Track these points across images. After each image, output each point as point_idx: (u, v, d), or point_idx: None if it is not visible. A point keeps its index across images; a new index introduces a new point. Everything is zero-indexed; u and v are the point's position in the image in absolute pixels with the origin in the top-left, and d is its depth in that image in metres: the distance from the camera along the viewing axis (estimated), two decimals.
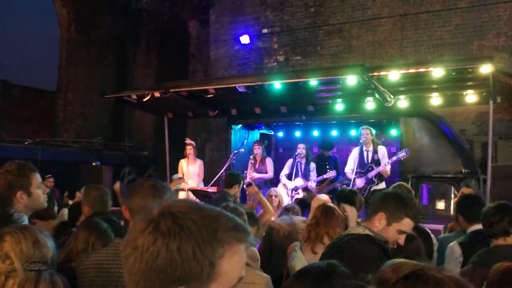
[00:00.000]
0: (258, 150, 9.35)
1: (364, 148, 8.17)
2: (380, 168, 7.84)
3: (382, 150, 8.13)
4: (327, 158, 9.59)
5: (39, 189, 2.88)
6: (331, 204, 4.15)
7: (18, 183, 2.77)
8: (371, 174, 7.95)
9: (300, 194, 8.64)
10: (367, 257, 2.75)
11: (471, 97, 7.75)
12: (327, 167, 9.16)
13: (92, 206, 4.29)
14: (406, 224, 2.89)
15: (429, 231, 4.59)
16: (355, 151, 8.33)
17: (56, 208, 4.81)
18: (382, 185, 8.03)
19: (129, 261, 1.11)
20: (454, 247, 3.94)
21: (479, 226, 3.93)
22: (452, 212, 8.32)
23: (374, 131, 8.26)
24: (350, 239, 2.95)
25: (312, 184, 8.73)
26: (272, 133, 11.41)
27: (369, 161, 8.10)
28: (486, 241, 3.75)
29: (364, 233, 2.92)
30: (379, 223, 2.90)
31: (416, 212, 2.97)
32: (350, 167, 8.28)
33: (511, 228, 3.28)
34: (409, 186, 4.58)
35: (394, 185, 4.87)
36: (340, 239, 3.05)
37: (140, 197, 2.38)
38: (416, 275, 1.09)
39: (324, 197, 4.83)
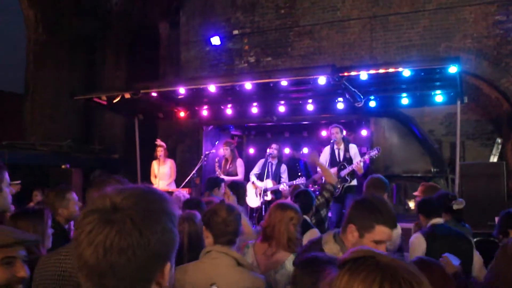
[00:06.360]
0: (226, 151, 9.25)
1: (335, 147, 8.21)
2: (354, 166, 7.85)
3: (353, 148, 8.18)
4: (297, 160, 9.60)
5: (8, 188, 2.82)
6: (285, 202, 4.12)
7: None
8: (344, 173, 7.98)
9: (269, 197, 8.59)
10: None
11: (439, 97, 7.89)
12: (298, 170, 9.16)
13: None
14: (380, 232, 2.58)
15: None
16: (326, 150, 8.38)
17: None
18: (354, 182, 8.08)
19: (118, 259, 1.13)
20: (419, 238, 4.19)
21: (437, 220, 4.35)
22: None
23: (343, 130, 8.30)
24: None
25: (284, 187, 8.69)
26: (243, 134, 11.39)
27: (341, 159, 8.13)
28: (448, 234, 4.16)
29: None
30: (352, 236, 2.65)
31: (389, 216, 2.63)
32: None
33: None
34: (382, 177, 4.61)
35: (368, 178, 4.88)
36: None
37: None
38: (364, 258, 1.14)
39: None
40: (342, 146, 8.18)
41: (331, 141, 8.25)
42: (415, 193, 5.84)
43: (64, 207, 4.34)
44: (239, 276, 2.77)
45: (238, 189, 5.70)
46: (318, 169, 7.85)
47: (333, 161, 8.17)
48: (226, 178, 9.01)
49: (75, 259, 1.16)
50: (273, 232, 3.63)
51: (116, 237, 1.11)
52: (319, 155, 8.69)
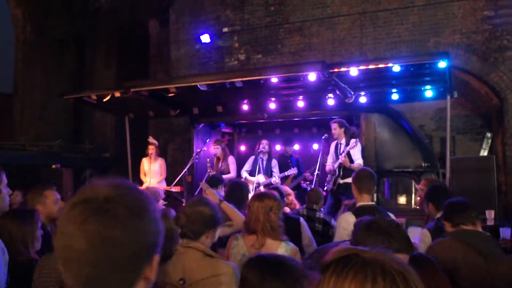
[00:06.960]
0: (217, 150, 9.21)
1: (338, 141, 8.23)
2: (341, 159, 7.86)
3: (352, 142, 8.13)
4: (289, 157, 9.61)
5: (6, 189, 2.79)
6: (262, 192, 4.13)
7: None
8: (336, 165, 8.00)
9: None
10: None
11: (429, 92, 7.92)
12: (289, 166, 9.16)
13: None
14: None
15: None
16: (333, 146, 8.39)
17: None
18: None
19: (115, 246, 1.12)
20: (426, 234, 4.19)
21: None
22: (413, 205, 8.51)
23: (343, 124, 8.24)
24: None
25: (276, 180, 8.70)
26: (234, 131, 11.39)
27: (340, 153, 8.15)
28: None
29: None
30: None
31: (403, 240, 2.38)
32: (330, 161, 8.33)
33: None
34: (369, 169, 4.60)
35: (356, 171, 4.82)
36: None
37: None
38: (348, 257, 1.09)
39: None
40: (343, 140, 8.15)
41: (323, 137, 8.25)
42: (418, 186, 5.79)
43: (42, 205, 4.15)
44: (206, 266, 2.77)
45: (242, 190, 5.67)
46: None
47: (337, 156, 8.17)
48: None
49: (60, 253, 1.12)
50: (255, 225, 3.58)
51: (112, 225, 1.10)
52: (310, 152, 8.70)
